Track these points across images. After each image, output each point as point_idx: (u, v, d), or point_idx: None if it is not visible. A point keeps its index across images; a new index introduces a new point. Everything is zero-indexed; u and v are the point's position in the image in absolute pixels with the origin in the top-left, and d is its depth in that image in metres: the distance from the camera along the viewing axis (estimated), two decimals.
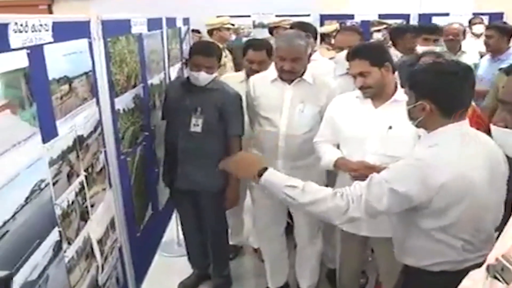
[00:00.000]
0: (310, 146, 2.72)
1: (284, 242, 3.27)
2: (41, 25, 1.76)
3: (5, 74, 1.52)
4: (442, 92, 1.78)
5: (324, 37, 5.13)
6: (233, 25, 5.99)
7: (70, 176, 2.01)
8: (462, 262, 1.79)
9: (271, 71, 2.88)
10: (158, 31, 3.64)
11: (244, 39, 6.00)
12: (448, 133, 1.79)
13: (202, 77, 2.90)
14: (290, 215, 3.22)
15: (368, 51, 2.43)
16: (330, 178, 2.86)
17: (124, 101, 2.78)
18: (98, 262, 2.33)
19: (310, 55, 3.23)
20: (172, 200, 3.51)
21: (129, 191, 2.88)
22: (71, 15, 2.31)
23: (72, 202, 2.03)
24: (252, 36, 7.10)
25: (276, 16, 6.48)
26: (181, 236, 3.68)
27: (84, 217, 2.17)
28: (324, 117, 2.67)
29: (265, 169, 1.96)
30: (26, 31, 1.64)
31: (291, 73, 2.75)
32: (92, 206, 2.26)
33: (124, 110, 2.77)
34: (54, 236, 1.84)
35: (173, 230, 4.04)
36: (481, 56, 4.69)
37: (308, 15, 6.74)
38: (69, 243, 1.99)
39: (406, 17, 7.04)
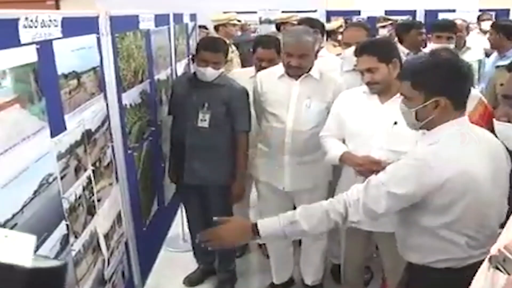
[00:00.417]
0: (316, 141, 2.73)
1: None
2: (50, 20, 1.78)
3: (15, 69, 1.53)
4: (453, 85, 1.77)
5: (330, 33, 5.13)
6: (239, 21, 6.00)
7: (77, 170, 2.03)
8: (466, 259, 1.78)
9: (278, 67, 2.89)
10: (165, 27, 3.65)
11: (252, 35, 6.02)
12: (448, 130, 1.77)
13: (209, 73, 2.91)
14: None
15: (376, 47, 2.43)
16: (335, 173, 2.87)
17: (131, 96, 2.79)
18: (104, 256, 2.35)
19: (318, 51, 3.23)
20: (179, 195, 3.53)
21: (136, 186, 2.89)
22: (79, 10, 2.33)
23: (80, 196, 2.05)
24: (258, 32, 7.11)
25: (282, 12, 6.47)
26: (187, 231, 3.70)
27: (91, 211, 2.19)
28: (330, 112, 2.68)
29: (255, 225, 1.89)
30: (35, 27, 1.66)
31: (298, 69, 2.76)
32: (99, 200, 2.28)
33: (131, 105, 2.78)
34: (61, 229, 1.86)
35: (179, 225, 4.05)
36: (486, 53, 4.68)
37: (314, 11, 6.75)
38: (76, 237, 2.01)
39: (412, 13, 7.03)
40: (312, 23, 3.82)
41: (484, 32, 5.82)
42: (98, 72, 2.30)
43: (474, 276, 1.20)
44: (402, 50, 3.85)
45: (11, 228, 1.47)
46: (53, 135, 1.80)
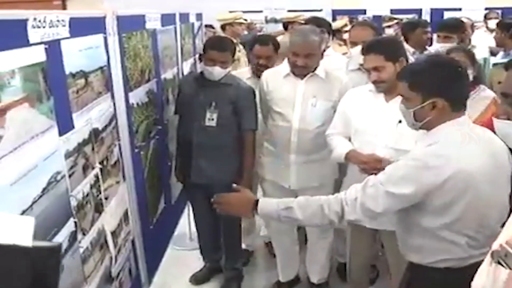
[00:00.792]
0: (322, 140, 2.74)
1: (295, 236, 3.29)
2: (58, 20, 1.80)
3: (24, 68, 1.56)
4: (450, 86, 1.78)
5: (335, 32, 5.13)
6: (245, 20, 6.01)
7: (85, 169, 2.06)
8: (467, 259, 1.78)
9: (284, 66, 2.90)
10: (171, 26, 3.67)
11: (258, 34, 6.02)
12: (448, 130, 1.78)
13: (217, 72, 2.92)
14: None
15: (383, 46, 2.44)
16: (341, 171, 2.88)
17: (138, 95, 2.81)
18: (111, 253, 2.37)
19: (324, 50, 3.23)
20: (186, 193, 3.55)
21: (143, 184, 2.92)
22: (85, 10, 2.35)
23: (87, 194, 2.08)
24: (264, 31, 7.13)
25: (288, 11, 6.48)
26: (193, 230, 3.71)
27: (99, 209, 2.22)
28: (337, 110, 2.70)
29: (257, 201, 2.01)
30: (44, 27, 1.68)
31: (304, 68, 2.77)
32: (106, 198, 2.31)
33: (138, 104, 2.81)
34: (69, 226, 1.88)
35: (185, 224, 4.07)
36: (492, 51, 4.67)
37: (320, 10, 6.75)
38: (84, 234, 2.03)
39: (418, 12, 7.02)
40: (319, 23, 3.83)
41: (491, 31, 5.81)
42: (105, 72, 2.33)
43: (472, 275, 1.21)
44: (408, 48, 3.85)
45: None
46: (61, 133, 1.83)
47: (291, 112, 2.83)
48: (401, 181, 1.76)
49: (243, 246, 3.63)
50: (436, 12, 6.87)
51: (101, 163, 2.24)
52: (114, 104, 2.46)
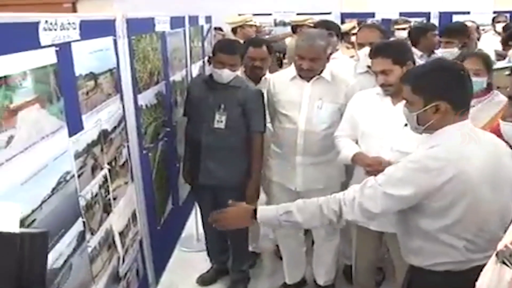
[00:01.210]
0: (329, 142, 2.76)
1: (302, 238, 3.31)
2: (69, 23, 1.83)
3: (35, 70, 1.59)
4: (453, 89, 1.79)
5: (344, 35, 5.14)
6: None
7: (94, 169, 2.08)
8: (467, 262, 1.78)
9: (291, 69, 2.92)
10: (180, 29, 3.70)
11: (266, 37, 6.05)
12: (449, 133, 1.79)
13: (226, 74, 2.94)
14: None
15: (391, 49, 2.46)
16: (348, 173, 2.89)
17: (147, 97, 2.84)
18: (119, 253, 2.40)
19: (331, 53, 3.24)
20: (193, 195, 3.57)
21: (150, 185, 2.94)
22: (95, 13, 2.38)
23: (96, 194, 2.10)
24: (273, 34, 7.14)
25: (297, 14, 6.50)
26: (201, 232, 3.73)
27: (107, 209, 2.24)
28: (344, 113, 2.71)
29: (255, 210, 2.00)
30: (55, 29, 1.72)
31: (309, 71, 2.79)
32: (114, 199, 2.33)
33: (146, 106, 2.83)
34: (78, 226, 1.91)
35: (193, 226, 4.09)
36: (500, 54, 4.65)
37: (329, 13, 6.76)
38: (92, 234, 2.06)
39: (427, 15, 7.01)
40: (328, 26, 3.85)
41: (499, 34, 5.79)
42: (114, 74, 2.35)
43: (475, 280, 1.22)
44: (416, 52, 3.86)
45: (30, 223, 1.52)
46: (71, 134, 1.86)
47: (297, 114, 2.85)
48: (399, 183, 1.77)
49: (250, 248, 3.64)
50: (445, 16, 6.86)
51: (109, 164, 2.27)
52: (123, 105, 2.49)
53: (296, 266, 3.36)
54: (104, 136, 2.21)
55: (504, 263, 1.10)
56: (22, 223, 1.46)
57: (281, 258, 3.44)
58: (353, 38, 4.58)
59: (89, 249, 2.02)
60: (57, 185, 1.72)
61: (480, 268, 1.23)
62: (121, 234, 2.42)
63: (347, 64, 3.57)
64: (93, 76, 2.09)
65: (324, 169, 2.90)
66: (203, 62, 4.62)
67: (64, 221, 1.79)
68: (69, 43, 1.86)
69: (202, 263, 3.66)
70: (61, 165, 1.77)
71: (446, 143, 1.77)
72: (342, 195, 1.89)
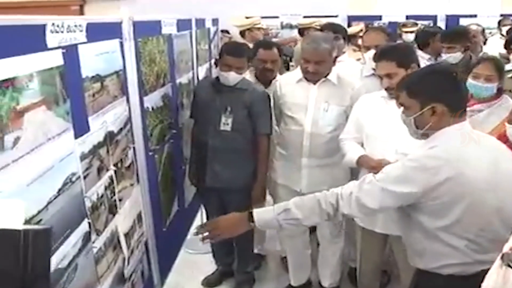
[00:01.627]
0: (334, 145, 2.76)
1: (307, 240, 3.31)
2: (76, 26, 1.85)
3: (42, 72, 1.60)
4: (447, 92, 1.80)
5: (350, 38, 5.13)
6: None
7: (100, 170, 2.10)
8: (472, 265, 1.78)
9: (297, 72, 2.93)
10: (187, 31, 3.72)
11: (274, 40, 6.04)
12: (448, 134, 1.79)
13: (232, 77, 2.96)
14: None
15: (395, 53, 2.46)
16: (353, 176, 2.89)
17: (153, 100, 2.86)
18: (124, 254, 2.41)
19: (337, 56, 3.25)
20: (200, 197, 3.58)
21: (156, 187, 2.96)
22: (102, 16, 2.40)
23: (102, 196, 2.12)
24: (280, 37, 7.14)
25: (304, 17, 6.49)
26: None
27: (112, 210, 2.26)
28: (350, 115, 2.72)
29: (251, 214, 1.95)
30: (62, 32, 1.73)
31: (315, 74, 2.80)
32: (120, 200, 2.35)
33: (152, 108, 2.85)
34: (84, 227, 1.92)
35: None
36: (502, 57, 4.63)
37: (336, 16, 6.74)
38: (98, 235, 2.07)
39: (433, 18, 6.98)
40: (335, 29, 3.86)
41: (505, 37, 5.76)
42: (121, 76, 2.37)
43: (480, 284, 1.22)
44: (422, 56, 3.85)
45: (36, 223, 1.53)
46: (77, 136, 1.88)
47: (303, 117, 2.85)
48: (398, 180, 1.78)
49: (255, 250, 3.65)
50: (452, 19, 6.82)
51: (115, 165, 2.29)
52: (129, 107, 2.51)
53: (302, 268, 3.36)
54: (110, 138, 2.22)
55: (509, 266, 1.10)
56: (28, 223, 1.47)
57: (285, 259, 3.43)
58: (360, 41, 4.58)
59: (95, 250, 2.04)
60: (63, 186, 1.74)
61: (485, 273, 1.23)
62: (126, 235, 2.43)
63: (353, 67, 3.57)
64: (99, 78, 2.11)
65: (329, 171, 2.90)
66: (210, 64, 4.64)
67: (70, 222, 1.80)
68: (75, 45, 1.87)
69: (208, 265, 3.66)
70: (67, 166, 1.78)
71: (446, 143, 1.78)
72: (340, 189, 1.89)
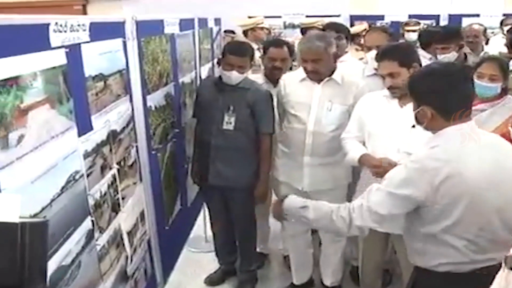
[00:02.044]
0: (336, 144, 2.77)
1: (309, 239, 3.32)
2: (79, 25, 1.86)
3: (45, 71, 1.62)
4: (436, 95, 1.80)
5: (354, 37, 5.13)
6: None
7: (103, 169, 2.11)
8: (469, 264, 1.79)
9: (301, 71, 2.94)
10: (190, 31, 3.72)
11: None
12: (449, 133, 1.79)
13: (234, 76, 2.97)
14: None
15: (397, 52, 2.47)
16: (355, 175, 2.91)
17: (156, 99, 2.87)
18: (127, 252, 2.42)
19: (339, 56, 3.25)
20: (202, 196, 3.59)
21: (159, 185, 2.97)
22: (105, 15, 2.41)
23: (105, 194, 2.13)
24: (282, 37, 7.15)
25: (307, 16, 6.50)
26: (209, 232, 3.75)
27: (116, 208, 2.27)
28: (352, 114, 2.73)
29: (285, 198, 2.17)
30: (65, 31, 1.74)
31: (315, 73, 2.81)
32: (123, 198, 2.36)
33: (155, 107, 2.86)
34: (87, 224, 1.94)
35: (201, 226, 4.10)
36: (503, 57, 4.61)
37: (338, 16, 6.74)
38: (101, 232, 2.09)
39: (436, 17, 6.97)
40: (337, 28, 3.86)
41: None
42: (124, 75, 2.38)
43: (477, 282, 1.22)
44: (424, 55, 3.85)
45: None
46: (80, 134, 1.89)
47: (306, 115, 2.87)
48: (403, 183, 1.80)
49: (258, 249, 3.66)
50: (454, 18, 6.80)
51: (118, 163, 2.30)
52: (132, 106, 2.52)
53: (304, 266, 3.37)
54: (113, 137, 2.23)
55: None
56: None
57: (289, 267, 3.45)
58: (362, 41, 4.58)
59: (98, 248, 2.05)
60: (66, 184, 1.75)
61: (482, 271, 1.24)
62: (129, 233, 2.44)
63: (356, 66, 3.58)
64: (102, 77, 2.12)
65: (331, 170, 2.91)
66: (212, 64, 4.65)
67: (73, 219, 1.82)
68: (79, 45, 1.89)
69: (210, 264, 3.68)
70: (70, 164, 1.80)
71: (446, 144, 1.78)
72: (350, 204, 1.95)
